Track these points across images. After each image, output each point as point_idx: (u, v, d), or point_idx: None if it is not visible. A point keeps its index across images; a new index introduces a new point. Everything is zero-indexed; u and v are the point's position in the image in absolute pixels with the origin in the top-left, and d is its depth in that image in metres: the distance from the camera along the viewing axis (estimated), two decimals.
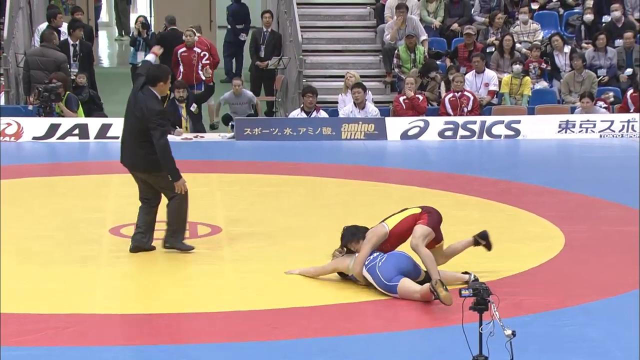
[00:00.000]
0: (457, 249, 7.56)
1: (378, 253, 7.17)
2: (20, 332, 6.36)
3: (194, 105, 13.94)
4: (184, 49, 15.11)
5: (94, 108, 14.42)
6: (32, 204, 9.95)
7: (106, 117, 14.12)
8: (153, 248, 8.12)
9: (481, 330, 5.14)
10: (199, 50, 15.15)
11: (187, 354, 6.10)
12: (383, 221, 7.32)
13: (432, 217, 7.26)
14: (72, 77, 14.35)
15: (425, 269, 7.09)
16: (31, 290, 7.18)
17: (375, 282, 7.06)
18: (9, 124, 13.41)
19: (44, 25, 15.57)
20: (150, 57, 8.52)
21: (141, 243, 8.06)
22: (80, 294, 7.17)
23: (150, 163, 7.89)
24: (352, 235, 7.32)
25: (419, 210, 7.32)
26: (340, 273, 7.43)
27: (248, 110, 15.01)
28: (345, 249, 7.39)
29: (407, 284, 6.93)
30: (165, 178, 7.94)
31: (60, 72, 13.81)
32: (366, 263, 7.13)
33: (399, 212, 7.40)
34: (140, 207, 8.11)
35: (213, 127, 15.32)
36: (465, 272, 7.37)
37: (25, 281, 7.39)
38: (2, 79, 14.79)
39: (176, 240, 8.09)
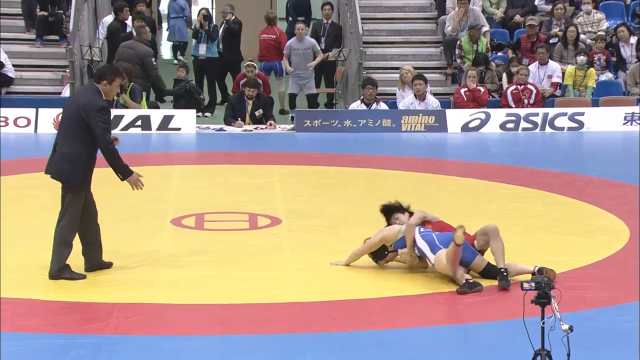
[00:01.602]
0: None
1: (435, 232, 7.26)
2: (85, 320, 6.48)
3: (260, 110, 13.99)
4: (245, 79, 14.58)
5: (191, 102, 14.50)
6: (96, 195, 10.08)
7: (200, 108, 14.47)
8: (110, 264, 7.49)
9: (543, 324, 5.08)
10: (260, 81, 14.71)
11: (245, 343, 6.14)
12: None
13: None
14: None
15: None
16: (95, 280, 7.29)
17: (425, 241, 7.13)
18: None
19: (108, 18, 15.78)
20: None
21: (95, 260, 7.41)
22: (142, 284, 7.27)
23: (67, 175, 7.08)
24: (399, 208, 7.52)
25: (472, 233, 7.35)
26: (374, 258, 7.50)
27: (309, 59, 15.13)
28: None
29: (442, 254, 7.00)
30: (64, 196, 7.10)
31: (126, 63, 13.99)
32: (421, 231, 7.25)
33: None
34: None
35: (283, 113, 15.40)
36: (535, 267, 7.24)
37: (90, 271, 7.49)
38: (67, 71, 15.03)
39: (63, 267, 7.14)
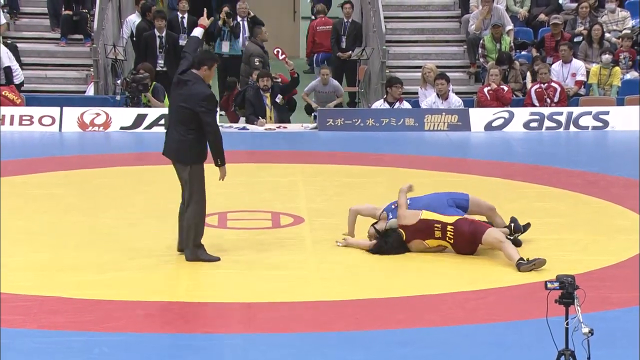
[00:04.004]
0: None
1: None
2: (109, 318, 6.51)
3: (279, 96, 13.98)
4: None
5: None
6: (121, 193, 10.14)
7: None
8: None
9: (567, 324, 5.05)
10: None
11: (268, 342, 6.15)
12: None
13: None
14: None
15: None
16: (119, 278, 7.33)
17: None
18: (97, 114, 13.70)
19: (132, 17, 15.84)
20: (198, 32, 7.84)
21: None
22: (165, 282, 7.30)
23: (184, 153, 7.57)
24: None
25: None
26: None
27: (331, 100, 15.04)
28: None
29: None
30: (189, 173, 7.55)
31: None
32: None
33: None
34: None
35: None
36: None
37: (113, 269, 7.53)
38: (91, 69, 15.10)
39: (199, 249, 7.61)
